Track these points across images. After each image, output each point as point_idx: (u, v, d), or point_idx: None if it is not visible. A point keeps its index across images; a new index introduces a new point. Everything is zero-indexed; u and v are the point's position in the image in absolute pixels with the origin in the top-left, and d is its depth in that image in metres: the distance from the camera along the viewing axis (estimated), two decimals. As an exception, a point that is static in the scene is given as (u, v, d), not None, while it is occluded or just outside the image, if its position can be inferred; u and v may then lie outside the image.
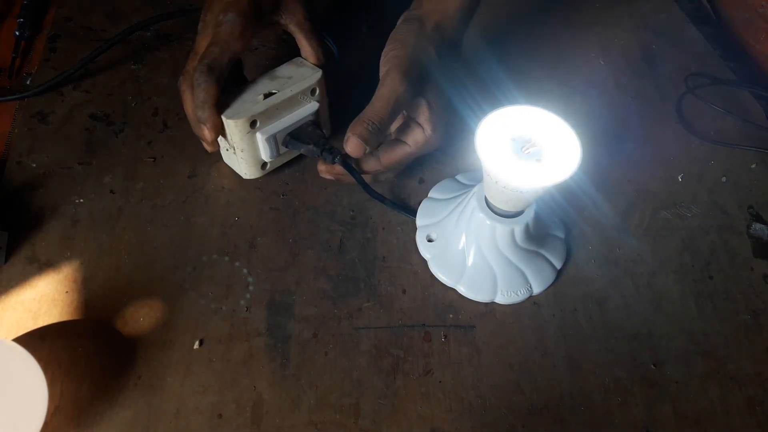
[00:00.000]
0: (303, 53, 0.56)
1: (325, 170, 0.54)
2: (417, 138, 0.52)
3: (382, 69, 0.50)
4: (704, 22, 0.77)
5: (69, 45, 0.66)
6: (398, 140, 0.53)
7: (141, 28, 0.66)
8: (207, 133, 0.50)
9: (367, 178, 0.54)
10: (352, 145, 0.48)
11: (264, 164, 0.56)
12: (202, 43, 0.52)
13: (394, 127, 0.54)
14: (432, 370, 0.48)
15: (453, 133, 0.61)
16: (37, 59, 0.65)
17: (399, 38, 0.52)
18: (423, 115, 0.51)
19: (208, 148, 0.54)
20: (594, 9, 0.78)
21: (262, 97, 0.52)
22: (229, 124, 0.51)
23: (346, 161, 0.53)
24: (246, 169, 0.56)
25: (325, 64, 0.56)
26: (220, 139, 0.55)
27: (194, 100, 0.50)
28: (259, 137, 0.53)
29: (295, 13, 0.54)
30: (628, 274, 0.54)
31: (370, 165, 0.53)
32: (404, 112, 0.52)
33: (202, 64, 0.49)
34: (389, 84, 0.49)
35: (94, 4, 0.70)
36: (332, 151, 0.53)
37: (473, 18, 0.56)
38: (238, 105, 0.52)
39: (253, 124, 0.52)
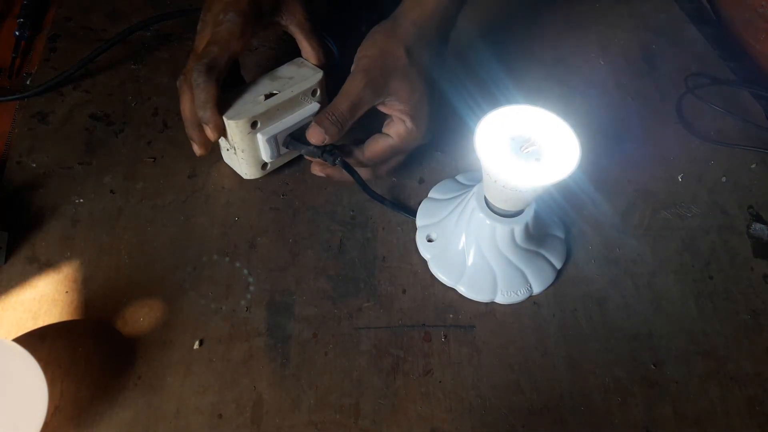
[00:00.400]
0: (303, 54, 0.56)
1: (319, 169, 0.55)
2: (399, 130, 0.53)
3: (352, 68, 0.52)
4: (704, 22, 0.77)
5: (69, 45, 0.66)
6: (383, 133, 0.54)
7: (141, 28, 0.66)
8: (209, 133, 0.51)
9: (364, 174, 0.55)
10: (311, 133, 0.51)
11: (264, 164, 0.56)
12: (202, 42, 0.52)
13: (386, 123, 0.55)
14: (432, 370, 0.48)
15: (449, 131, 0.61)
16: (37, 59, 0.65)
17: (370, 38, 0.53)
18: (398, 110, 0.52)
19: (198, 151, 0.53)
20: (594, 9, 0.78)
21: (263, 97, 0.52)
22: (230, 124, 0.51)
23: (346, 162, 0.53)
24: (246, 170, 0.56)
25: (326, 64, 0.56)
26: (221, 139, 0.55)
27: (194, 100, 0.50)
28: (260, 138, 0.53)
29: (295, 13, 0.55)
30: (628, 274, 0.54)
31: (355, 155, 0.54)
32: (382, 109, 0.53)
33: (200, 63, 0.49)
34: (350, 84, 0.51)
35: (94, 4, 0.70)
36: (332, 152, 0.53)
37: (459, 12, 0.56)
38: (239, 105, 0.52)
39: (254, 124, 0.52)
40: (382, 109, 0.53)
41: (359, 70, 0.51)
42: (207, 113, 0.50)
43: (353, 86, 0.50)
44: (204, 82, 0.49)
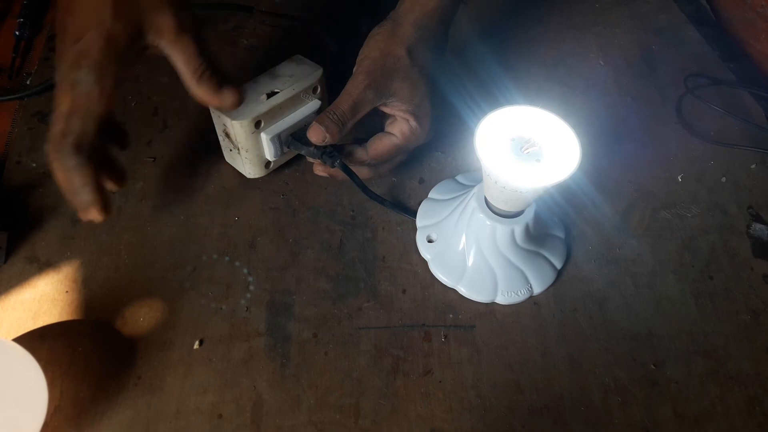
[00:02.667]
0: (180, 72, 0.45)
1: (321, 169, 0.55)
2: (403, 129, 0.53)
3: (354, 69, 0.52)
4: (704, 22, 0.77)
5: (69, 45, 0.66)
6: (386, 132, 0.54)
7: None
8: (95, 215, 0.44)
9: (363, 174, 0.55)
10: (312, 131, 0.50)
11: (268, 163, 0.56)
12: (63, 102, 0.42)
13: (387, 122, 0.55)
14: (432, 370, 0.48)
15: (450, 132, 0.61)
16: (36, 59, 0.65)
17: (371, 40, 0.53)
18: (401, 110, 0.53)
19: (97, 216, 0.44)
20: (594, 9, 0.78)
21: (265, 96, 0.52)
22: (234, 125, 0.51)
23: (345, 165, 0.53)
24: (250, 169, 0.56)
25: (201, 71, 0.45)
26: (222, 139, 0.55)
27: (70, 183, 0.42)
28: (264, 137, 0.53)
29: (163, 29, 0.43)
30: (628, 274, 0.54)
31: (358, 155, 0.54)
32: (385, 109, 0.53)
33: (66, 144, 0.41)
34: (352, 84, 0.51)
35: (94, 3, 0.70)
36: (332, 154, 0.53)
37: (457, 10, 0.57)
38: (241, 106, 0.52)
39: (257, 124, 0.52)
40: (384, 109, 0.53)
41: (361, 71, 0.51)
42: (89, 196, 0.42)
43: (355, 87, 0.51)
44: (76, 164, 0.41)
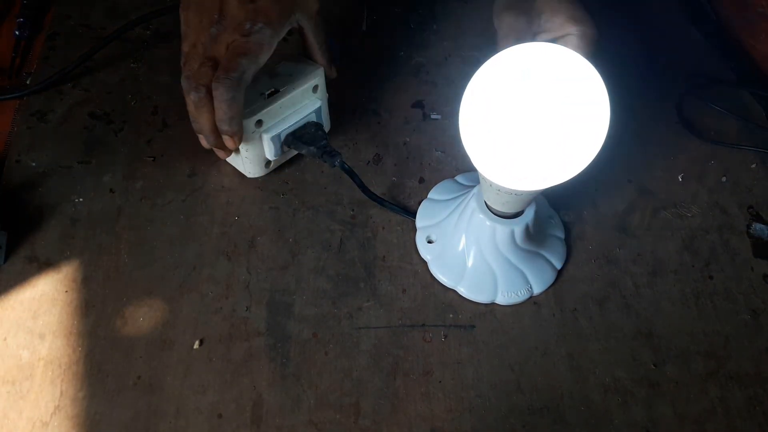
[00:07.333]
0: (309, 51, 0.55)
1: None
2: (578, 45, 0.53)
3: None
4: (704, 22, 0.77)
5: (68, 43, 0.66)
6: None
7: (138, 24, 0.66)
8: (230, 144, 0.51)
9: None
10: None
11: (268, 162, 0.56)
12: (220, 48, 0.49)
13: None
14: (432, 370, 0.48)
15: (450, 131, 0.61)
16: (36, 58, 0.65)
17: None
18: (560, 24, 0.54)
19: (224, 156, 0.54)
20: (594, 9, 0.77)
21: (265, 96, 0.52)
22: None
23: (345, 164, 0.53)
24: (251, 168, 0.56)
25: (327, 64, 0.56)
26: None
27: (216, 112, 0.49)
28: (264, 137, 0.53)
29: (309, 6, 0.52)
30: (628, 274, 0.55)
31: None
32: (544, 36, 0.53)
33: (231, 78, 0.47)
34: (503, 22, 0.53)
35: (93, 2, 0.70)
36: (333, 154, 0.53)
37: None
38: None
39: (258, 123, 0.52)
40: (544, 37, 0.52)
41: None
42: (234, 127, 0.49)
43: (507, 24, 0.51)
44: (232, 98, 0.48)
